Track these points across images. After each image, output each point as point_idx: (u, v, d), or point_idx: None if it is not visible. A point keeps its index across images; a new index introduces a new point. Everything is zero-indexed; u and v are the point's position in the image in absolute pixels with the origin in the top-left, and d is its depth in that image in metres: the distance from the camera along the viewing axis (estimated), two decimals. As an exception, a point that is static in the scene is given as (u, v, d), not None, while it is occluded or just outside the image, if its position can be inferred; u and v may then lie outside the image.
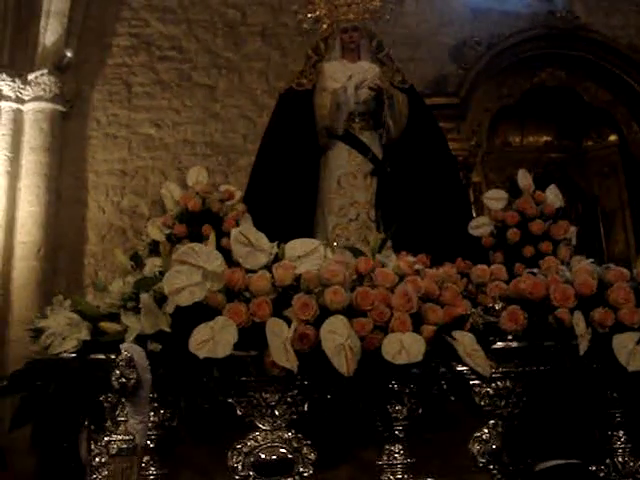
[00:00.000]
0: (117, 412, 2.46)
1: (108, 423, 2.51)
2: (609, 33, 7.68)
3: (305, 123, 4.48)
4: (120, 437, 2.13)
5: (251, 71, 7.73)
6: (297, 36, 7.64)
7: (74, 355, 2.75)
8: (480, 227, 4.02)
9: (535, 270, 3.06)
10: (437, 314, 2.55)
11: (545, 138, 8.12)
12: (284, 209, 4.18)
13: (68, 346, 2.79)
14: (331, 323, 2.41)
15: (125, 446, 2.08)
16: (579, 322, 2.58)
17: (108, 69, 7.58)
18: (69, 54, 7.30)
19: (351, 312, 2.48)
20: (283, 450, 2.57)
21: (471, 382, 2.66)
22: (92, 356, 2.68)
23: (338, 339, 2.37)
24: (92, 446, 2.67)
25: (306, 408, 2.58)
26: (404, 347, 2.40)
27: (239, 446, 2.59)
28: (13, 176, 6.95)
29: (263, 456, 2.56)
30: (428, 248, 3.16)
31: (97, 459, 2.58)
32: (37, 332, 3.41)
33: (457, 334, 2.58)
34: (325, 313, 2.46)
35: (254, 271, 2.61)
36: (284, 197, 4.34)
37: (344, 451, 2.61)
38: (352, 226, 4.32)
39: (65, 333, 2.85)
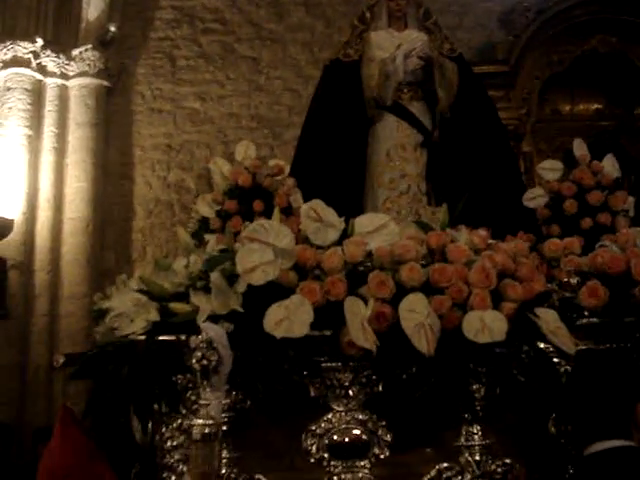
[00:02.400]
0: (194, 394, 2.43)
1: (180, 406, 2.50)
2: (663, -5, 7.44)
3: (353, 94, 4.37)
4: (202, 421, 2.07)
5: (295, 42, 7.65)
6: (341, 5, 7.54)
7: (144, 337, 2.70)
8: (535, 199, 3.92)
9: (607, 242, 2.96)
10: (517, 291, 2.44)
11: (596, 106, 7.91)
12: (332, 183, 4.07)
13: (137, 327, 2.72)
14: (410, 301, 2.34)
15: (207, 431, 2.03)
16: None
17: (151, 43, 7.56)
18: (112, 29, 7.29)
19: (427, 289, 2.40)
20: (358, 432, 2.49)
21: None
22: (162, 337, 2.63)
23: (417, 317, 2.30)
24: (163, 429, 2.64)
25: (381, 389, 2.51)
26: (486, 325, 2.31)
27: (313, 428, 2.53)
28: (60, 152, 6.99)
29: (338, 438, 2.49)
30: (480, 221, 3.07)
31: (168, 443, 2.56)
32: (100, 313, 3.40)
33: (539, 311, 2.48)
34: (401, 291, 2.38)
35: (321, 247, 2.56)
36: (332, 170, 4.25)
37: (420, 432, 2.55)
38: (403, 199, 4.22)
39: (133, 314, 2.79)
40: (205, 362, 2.14)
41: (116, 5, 7.35)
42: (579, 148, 4.02)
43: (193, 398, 2.54)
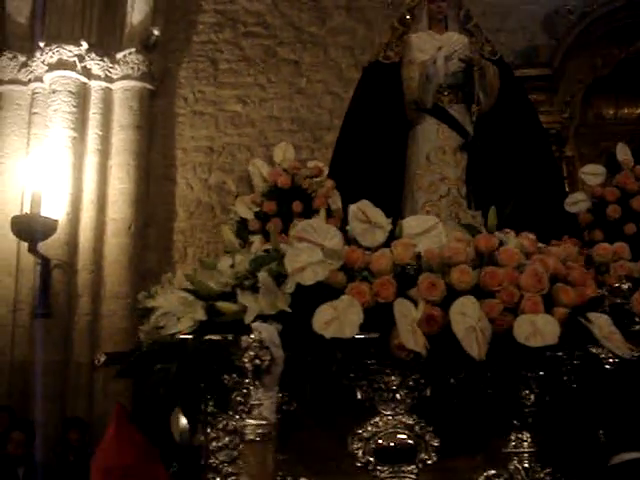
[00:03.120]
0: (240, 395, 2.42)
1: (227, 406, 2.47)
2: None
3: (392, 96, 4.35)
4: (255, 422, 2.07)
5: (336, 45, 7.65)
6: (382, 9, 7.51)
7: (191, 336, 2.67)
8: (577, 203, 3.88)
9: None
10: (569, 295, 2.41)
11: (640, 110, 7.82)
12: (371, 185, 4.00)
13: (184, 326, 2.69)
14: (461, 304, 2.31)
15: (261, 431, 2.02)
16: None
17: (194, 46, 7.62)
18: (156, 32, 7.37)
19: (477, 292, 2.37)
20: (405, 436, 2.47)
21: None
22: (209, 337, 2.60)
23: (469, 321, 2.26)
24: (208, 430, 2.60)
25: (429, 393, 2.49)
26: (538, 329, 2.27)
27: (359, 431, 2.50)
28: (104, 154, 7.08)
29: (384, 442, 2.46)
30: (521, 225, 3.03)
31: (214, 443, 2.51)
32: (145, 311, 3.42)
33: (592, 316, 2.43)
34: (450, 294, 2.36)
35: (368, 249, 2.55)
36: (371, 173, 4.24)
37: (469, 438, 2.51)
38: (442, 203, 4.19)
39: (179, 313, 2.77)
40: (258, 362, 2.16)
41: (160, 9, 7.42)
42: (622, 152, 3.97)
43: (239, 399, 2.50)
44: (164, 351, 2.70)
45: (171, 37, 7.56)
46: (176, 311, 2.79)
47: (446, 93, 4.37)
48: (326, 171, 4.18)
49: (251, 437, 2.06)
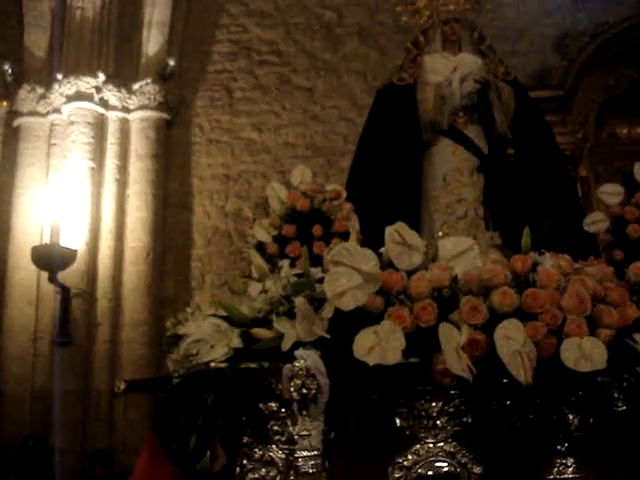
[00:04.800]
0: (277, 425, 2.40)
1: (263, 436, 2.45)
2: None
3: (407, 118, 4.32)
4: (307, 453, 2.02)
5: (349, 72, 7.72)
6: (395, 34, 7.59)
7: (226, 363, 2.61)
8: (596, 223, 3.82)
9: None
10: (613, 316, 2.35)
11: (654, 129, 7.85)
12: (388, 208, 3.98)
13: (218, 354, 2.63)
14: (505, 327, 2.25)
15: (313, 462, 1.97)
16: None
17: (209, 76, 7.71)
18: (171, 63, 7.44)
19: (518, 315, 2.31)
20: (446, 464, 2.40)
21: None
22: (247, 365, 2.55)
23: (514, 345, 2.21)
24: (244, 461, 2.56)
25: (470, 419, 2.43)
26: (585, 353, 2.23)
27: (400, 460, 2.42)
28: (122, 183, 7.14)
29: (425, 471, 2.39)
30: (541, 246, 3.02)
31: (250, 475, 2.48)
32: (174, 339, 3.39)
33: (638, 337, 2.37)
34: (492, 317, 2.31)
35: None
36: (387, 195, 4.20)
37: (511, 465, 2.44)
38: (460, 224, 4.15)
39: (213, 340, 2.71)
40: (305, 391, 2.10)
41: (175, 40, 7.54)
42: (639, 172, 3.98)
43: (276, 428, 2.48)
44: (200, 380, 2.65)
45: (186, 67, 7.65)
46: (209, 338, 2.73)
47: (461, 114, 4.36)
48: (344, 194, 4.08)
49: (304, 469, 2.00)
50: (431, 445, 2.43)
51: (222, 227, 7.42)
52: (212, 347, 2.70)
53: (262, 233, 3.99)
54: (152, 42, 7.44)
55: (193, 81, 7.67)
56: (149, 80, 7.30)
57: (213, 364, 2.62)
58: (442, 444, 2.42)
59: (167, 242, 7.32)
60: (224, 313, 2.74)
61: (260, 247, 3.92)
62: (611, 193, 3.91)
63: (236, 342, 2.63)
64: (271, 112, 7.64)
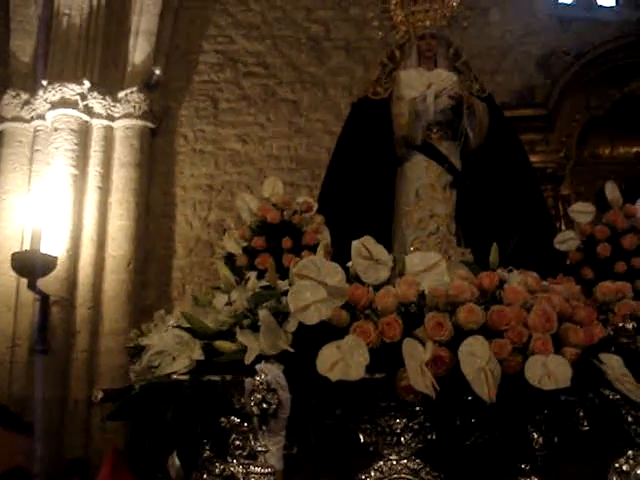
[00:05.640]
0: (238, 439, 2.37)
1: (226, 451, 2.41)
2: (702, 39, 7.44)
3: (381, 132, 4.36)
4: (260, 470, 1.97)
5: (335, 85, 7.75)
6: (381, 49, 7.58)
7: (188, 376, 2.58)
8: (566, 242, 3.84)
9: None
10: (579, 335, 2.33)
11: (636, 149, 7.88)
12: (360, 222, 3.99)
13: (180, 366, 2.60)
14: (470, 344, 2.22)
15: (270, 479, 1.95)
16: None
17: (195, 86, 7.72)
18: (157, 72, 7.45)
19: (484, 332, 2.29)
20: None
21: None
22: (208, 377, 2.52)
23: (478, 362, 2.18)
24: (204, 476, 2.53)
25: (435, 436, 2.40)
26: (550, 371, 2.19)
27: (363, 477, 2.38)
28: (104, 191, 7.12)
29: None
30: (509, 263, 3.00)
31: None
32: (137, 350, 3.34)
33: (604, 357, 2.38)
34: (458, 333, 2.29)
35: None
36: (360, 209, 4.22)
37: None
38: (432, 240, 4.17)
39: (175, 352, 2.67)
40: (265, 406, 2.05)
41: (161, 49, 7.54)
42: (612, 191, 3.98)
43: (238, 443, 2.45)
44: (160, 392, 2.61)
45: (172, 76, 7.65)
46: (171, 350, 2.70)
47: (435, 130, 4.38)
48: (315, 207, 4.06)
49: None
50: (394, 462, 2.39)
51: (204, 237, 7.41)
52: (174, 359, 2.67)
53: (232, 244, 3.93)
54: (138, 51, 7.43)
55: (178, 91, 7.68)
56: (134, 88, 7.28)
57: (174, 376, 2.58)
58: (406, 461, 2.39)
59: (148, 251, 7.29)
60: (188, 324, 2.71)
61: (230, 258, 3.88)
62: (582, 212, 3.93)
63: (198, 354, 2.60)
64: (256, 124, 7.65)
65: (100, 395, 3.64)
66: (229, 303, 2.73)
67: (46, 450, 6.28)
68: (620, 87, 7.42)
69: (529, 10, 7.99)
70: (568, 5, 8.38)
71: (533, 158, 6.69)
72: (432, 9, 4.58)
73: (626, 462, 2.47)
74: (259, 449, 2.08)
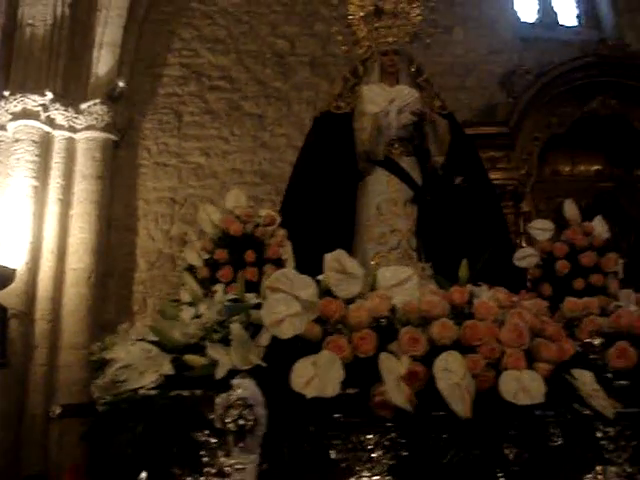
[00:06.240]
0: (209, 455, 2.33)
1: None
2: (660, 61, 7.61)
3: (343, 147, 4.40)
4: None
5: (300, 101, 7.76)
6: (345, 65, 7.63)
7: (156, 391, 2.53)
8: (526, 258, 3.90)
9: (621, 303, 2.98)
10: (551, 351, 2.36)
11: (596, 167, 8.02)
12: (321, 235, 4.02)
13: (147, 381, 2.55)
14: (445, 360, 2.24)
15: None
16: None
17: (159, 99, 7.66)
18: (121, 84, 7.35)
19: (457, 347, 2.31)
20: None
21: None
22: (178, 393, 2.47)
23: (453, 377, 2.20)
24: None
25: (406, 453, 2.38)
26: (524, 386, 2.22)
27: None
28: (65, 203, 7.01)
29: None
30: (471, 279, 3.01)
31: None
32: (100, 364, 3.25)
33: (576, 372, 2.41)
34: (432, 348, 2.30)
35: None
36: (321, 223, 4.24)
37: None
38: (393, 255, 4.20)
39: (142, 366, 2.61)
40: (242, 422, 2.02)
41: (125, 61, 7.46)
42: (570, 209, 4.05)
43: (207, 459, 2.40)
44: (129, 408, 2.54)
45: (136, 89, 7.57)
46: (138, 364, 2.63)
47: (397, 145, 4.42)
48: (278, 220, 4.07)
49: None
50: (366, 479, 2.39)
51: (166, 251, 7.34)
52: (141, 373, 2.60)
53: (193, 256, 3.90)
54: (102, 62, 7.34)
55: (142, 103, 7.61)
56: (97, 100, 7.19)
57: (142, 391, 2.53)
58: (377, 477, 2.39)
59: (110, 265, 7.19)
60: (155, 338, 2.66)
61: (191, 271, 3.83)
62: (541, 229, 3.99)
63: (167, 369, 2.54)
64: (220, 137, 7.62)
65: (58, 410, 3.55)
66: (197, 316, 2.68)
67: (3, 466, 6.17)
68: (580, 106, 7.55)
69: (492, 29, 8.11)
70: (531, 24, 8.52)
71: (494, 175, 6.80)
72: (395, 25, 4.62)
73: (594, 477, 2.49)
74: (237, 467, 2.06)
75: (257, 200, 7.33)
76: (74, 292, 6.87)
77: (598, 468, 2.58)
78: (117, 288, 7.23)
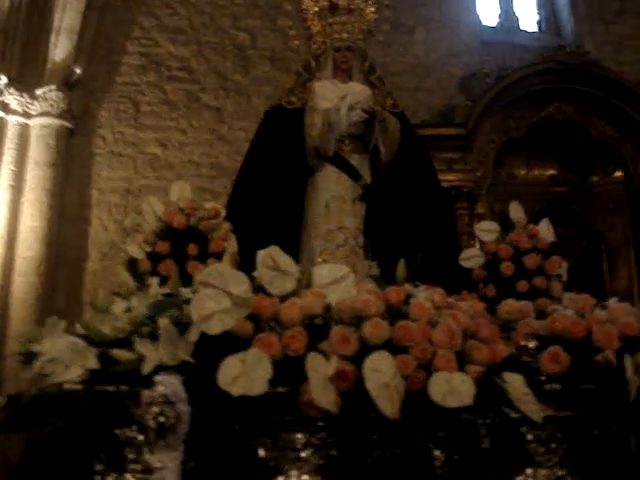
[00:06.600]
0: (133, 452, 2.26)
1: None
2: (618, 69, 7.70)
3: (294, 142, 4.37)
4: None
5: (259, 94, 7.71)
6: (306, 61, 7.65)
7: (82, 385, 2.45)
8: (471, 259, 3.92)
9: (559, 307, 2.99)
10: (483, 353, 2.34)
11: (550, 172, 8.11)
12: (268, 231, 3.95)
13: (73, 375, 2.46)
14: (375, 359, 2.19)
15: None
16: (628, 365, 2.45)
17: (116, 87, 7.55)
18: (78, 71, 7.28)
19: (389, 347, 2.26)
20: None
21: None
22: (101, 387, 2.40)
23: (382, 378, 2.16)
24: None
25: (336, 452, 2.35)
26: (454, 388, 2.18)
27: None
28: (17, 190, 6.90)
29: None
30: (415, 279, 3.00)
31: None
32: (29, 356, 3.18)
33: (507, 376, 2.38)
34: (364, 348, 2.25)
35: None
36: (268, 218, 4.21)
37: None
38: (340, 252, 4.19)
39: (68, 360, 2.51)
40: (162, 419, 1.97)
41: (84, 48, 7.35)
42: (515, 211, 4.07)
43: (132, 456, 2.31)
44: (52, 402, 2.45)
45: (93, 76, 7.47)
46: (65, 358, 2.53)
47: (347, 142, 4.41)
48: (223, 213, 4.00)
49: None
50: (294, 478, 2.35)
51: (119, 242, 7.25)
52: (67, 367, 2.52)
53: (135, 248, 3.81)
54: (59, 48, 7.23)
55: (99, 91, 7.50)
56: (53, 87, 7.09)
57: (67, 385, 2.46)
58: (306, 477, 2.35)
59: (60, 254, 7.08)
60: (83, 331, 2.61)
61: (133, 263, 3.76)
62: (487, 230, 4.00)
63: (93, 363, 2.47)
64: (177, 129, 7.55)
65: (3, 401, 3.47)
66: (129, 310, 2.63)
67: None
68: (537, 111, 7.62)
69: (454, 31, 8.15)
70: (492, 28, 8.58)
71: (450, 176, 6.86)
72: (350, 22, 4.61)
73: (523, 480, 2.51)
74: (156, 464, 2.00)
75: (213, 193, 7.29)
76: (23, 281, 6.77)
77: (528, 471, 2.58)
78: (68, 278, 7.12)
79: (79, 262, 7.18)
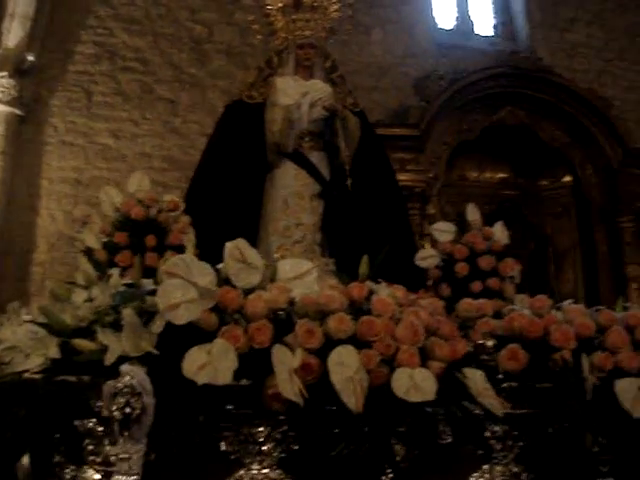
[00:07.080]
0: (92, 444, 2.27)
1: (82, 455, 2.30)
2: (570, 76, 7.87)
3: (253, 137, 4.36)
4: (124, 478, 1.86)
5: (214, 88, 7.67)
6: (262, 55, 7.58)
7: (42, 375, 2.43)
8: (427, 259, 3.95)
9: (516, 307, 3.05)
10: (444, 350, 2.38)
11: (501, 175, 8.25)
12: (226, 225, 3.93)
13: (33, 364, 2.44)
14: (339, 353, 2.22)
15: None
16: (585, 364, 2.51)
17: (69, 76, 7.42)
18: (30, 58, 7.13)
19: (353, 342, 2.29)
20: None
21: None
22: (62, 377, 2.38)
23: (347, 372, 2.18)
24: None
25: (297, 446, 2.36)
26: (416, 384, 2.22)
27: None
28: (-36, 178, 6.74)
29: None
30: (372, 276, 3.02)
31: None
32: None
33: (467, 372, 2.43)
34: (328, 342, 2.28)
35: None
36: (226, 212, 4.20)
37: None
38: (297, 248, 4.20)
39: (28, 349, 2.50)
40: (128, 410, 1.93)
41: (37, 35, 7.20)
42: (472, 213, 4.13)
43: (91, 448, 2.32)
44: (11, 391, 2.44)
45: (46, 64, 7.32)
46: (24, 346, 2.53)
47: (307, 139, 4.42)
48: (182, 206, 3.99)
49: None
50: (255, 471, 2.35)
51: (68, 232, 7.11)
52: (27, 356, 2.51)
53: (91, 238, 3.77)
54: (12, 34, 7.06)
55: (52, 79, 7.35)
56: (5, 73, 6.91)
57: (27, 375, 2.43)
58: (267, 470, 2.35)
59: (7, 243, 6.92)
60: (44, 320, 2.57)
61: (88, 253, 3.70)
62: (443, 230, 4.06)
63: (54, 352, 2.44)
64: (130, 120, 7.45)
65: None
66: (89, 299, 2.60)
67: None
68: (490, 114, 7.75)
69: (410, 33, 8.23)
70: (448, 31, 8.68)
71: (403, 177, 6.89)
72: (313, 19, 4.61)
73: (481, 476, 2.55)
74: (122, 456, 1.97)
75: (165, 186, 7.20)
76: (-32, 270, 6.63)
77: (485, 467, 2.63)
78: (14, 268, 6.98)
79: (26, 252, 7.04)
